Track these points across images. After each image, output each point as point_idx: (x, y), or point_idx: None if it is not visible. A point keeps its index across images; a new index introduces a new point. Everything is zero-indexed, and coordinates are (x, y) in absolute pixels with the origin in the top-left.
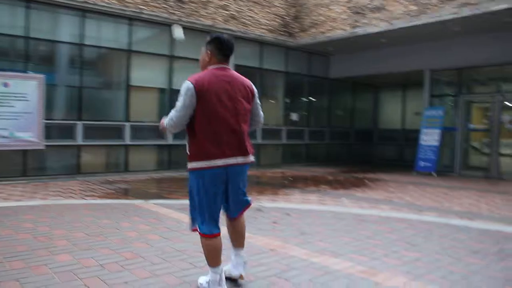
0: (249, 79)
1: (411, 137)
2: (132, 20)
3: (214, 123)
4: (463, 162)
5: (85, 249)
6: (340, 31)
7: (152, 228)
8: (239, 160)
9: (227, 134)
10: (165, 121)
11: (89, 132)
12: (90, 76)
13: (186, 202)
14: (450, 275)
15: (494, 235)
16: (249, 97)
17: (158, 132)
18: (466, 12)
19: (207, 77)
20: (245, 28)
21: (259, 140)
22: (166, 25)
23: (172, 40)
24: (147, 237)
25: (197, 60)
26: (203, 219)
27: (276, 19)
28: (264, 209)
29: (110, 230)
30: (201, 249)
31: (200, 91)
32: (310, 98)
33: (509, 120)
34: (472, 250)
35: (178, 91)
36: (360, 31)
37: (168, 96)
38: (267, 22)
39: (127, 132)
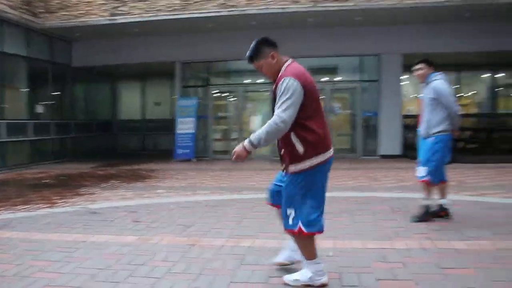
0: None
1: (152, 127)
2: None
3: (320, 114)
4: (214, 147)
5: None
6: (96, 17)
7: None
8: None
9: (326, 125)
10: (258, 136)
11: None
12: None
13: None
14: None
15: (342, 199)
16: None
17: None
18: (225, 12)
19: (300, 70)
20: None
21: (4, 137)
22: None
23: None
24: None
25: None
26: (321, 215)
27: None
28: (100, 211)
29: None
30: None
31: (304, 86)
32: (55, 87)
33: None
34: (374, 211)
35: None
36: (120, 19)
37: None
38: None
39: None
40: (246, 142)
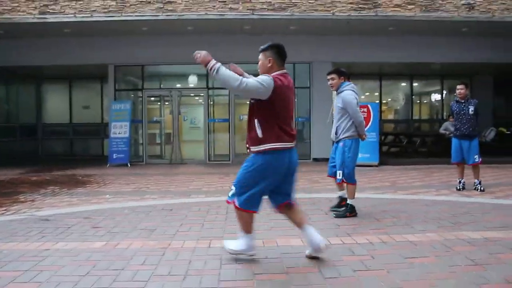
0: None
1: (80, 131)
2: None
3: (286, 117)
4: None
5: None
6: (24, 14)
7: None
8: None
9: (290, 128)
10: (222, 72)
11: None
12: None
13: None
14: None
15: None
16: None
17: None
18: (162, 16)
19: (282, 78)
20: None
21: None
22: None
23: None
24: None
25: None
26: (255, 197)
27: None
28: (51, 218)
29: None
30: None
31: (276, 87)
32: None
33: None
34: (326, 211)
35: None
36: (51, 18)
37: None
38: None
39: None
40: (214, 61)
